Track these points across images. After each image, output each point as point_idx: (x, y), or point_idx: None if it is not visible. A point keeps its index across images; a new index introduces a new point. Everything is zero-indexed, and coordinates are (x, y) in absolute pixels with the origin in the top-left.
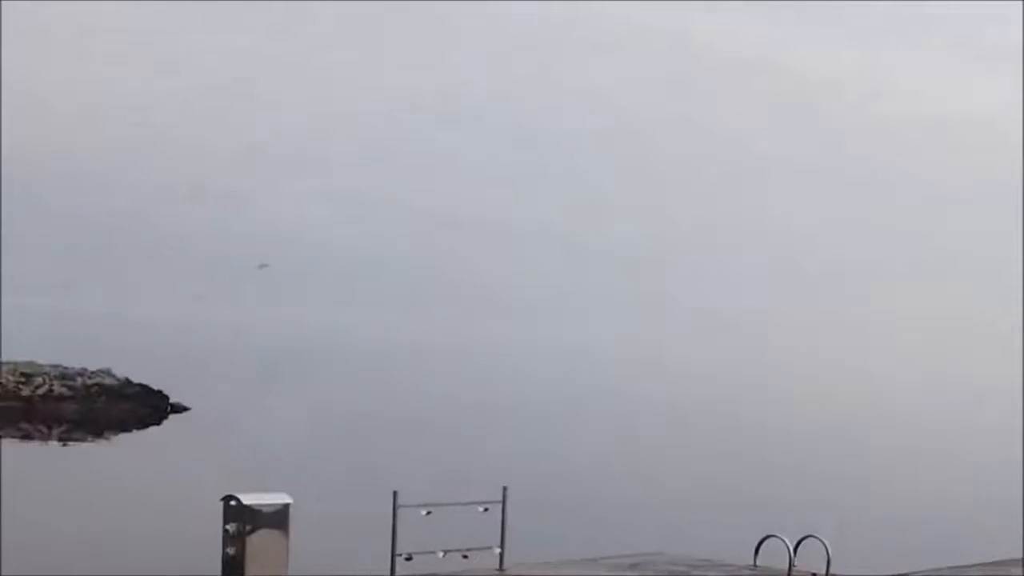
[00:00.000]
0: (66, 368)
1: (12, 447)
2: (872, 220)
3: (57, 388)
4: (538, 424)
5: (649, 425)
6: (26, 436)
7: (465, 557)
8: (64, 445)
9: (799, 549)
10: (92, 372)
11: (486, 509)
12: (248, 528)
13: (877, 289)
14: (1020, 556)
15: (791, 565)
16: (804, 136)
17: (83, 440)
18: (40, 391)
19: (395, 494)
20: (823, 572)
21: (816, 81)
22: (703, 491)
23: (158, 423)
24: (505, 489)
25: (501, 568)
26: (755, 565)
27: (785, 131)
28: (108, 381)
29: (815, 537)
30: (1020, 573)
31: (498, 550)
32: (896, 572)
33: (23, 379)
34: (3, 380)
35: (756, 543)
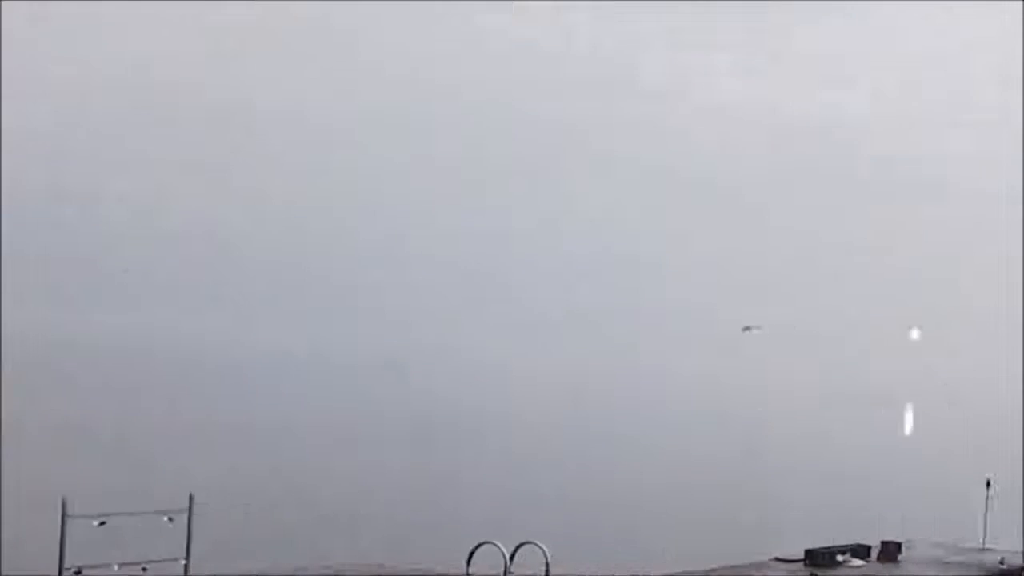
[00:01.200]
0: None
1: None
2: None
3: None
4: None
5: (368, 434)
6: None
7: (144, 570)
8: None
9: (516, 556)
10: None
11: (171, 519)
12: None
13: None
14: (771, 558)
15: (506, 571)
16: None
17: None
18: None
19: (64, 502)
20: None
21: None
22: (424, 499)
23: None
24: (191, 497)
25: None
26: (468, 574)
27: None
28: None
29: (533, 543)
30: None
31: (183, 561)
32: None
33: None
34: None
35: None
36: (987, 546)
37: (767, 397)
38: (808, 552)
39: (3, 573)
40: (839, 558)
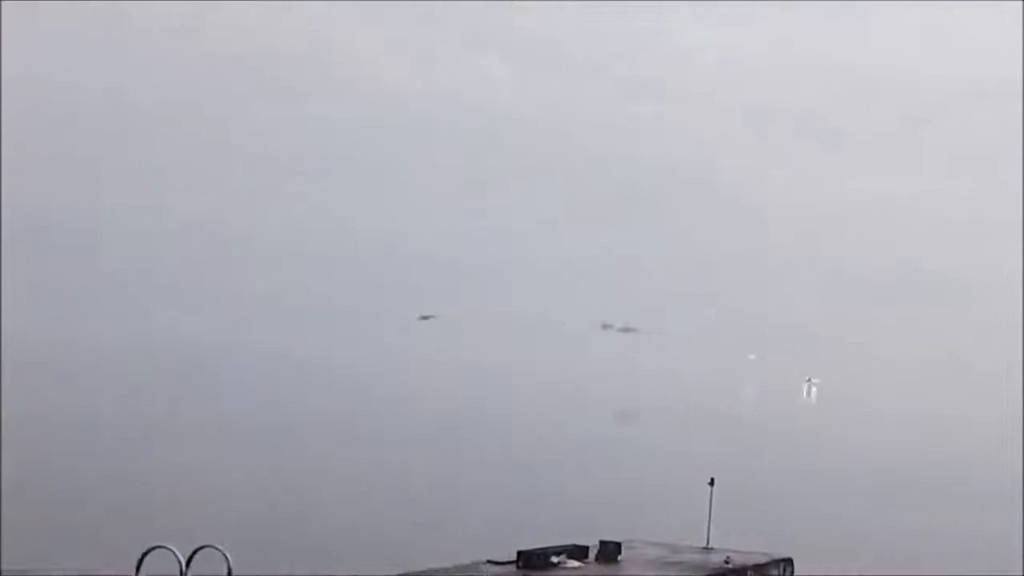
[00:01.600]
0: None
1: None
2: None
3: None
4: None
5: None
6: None
7: None
8: None
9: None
10: None
11: None
12: None
13: None
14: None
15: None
16: None
17: None
18: None
19: None
20: None
21: None
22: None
23: None
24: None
25: None
26: None
27: None
28: None
29: (212, 547)
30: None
31: None
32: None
33: None
34: None
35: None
36: (711, 546)
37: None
38: (521, 553)
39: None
40: (554, 559)
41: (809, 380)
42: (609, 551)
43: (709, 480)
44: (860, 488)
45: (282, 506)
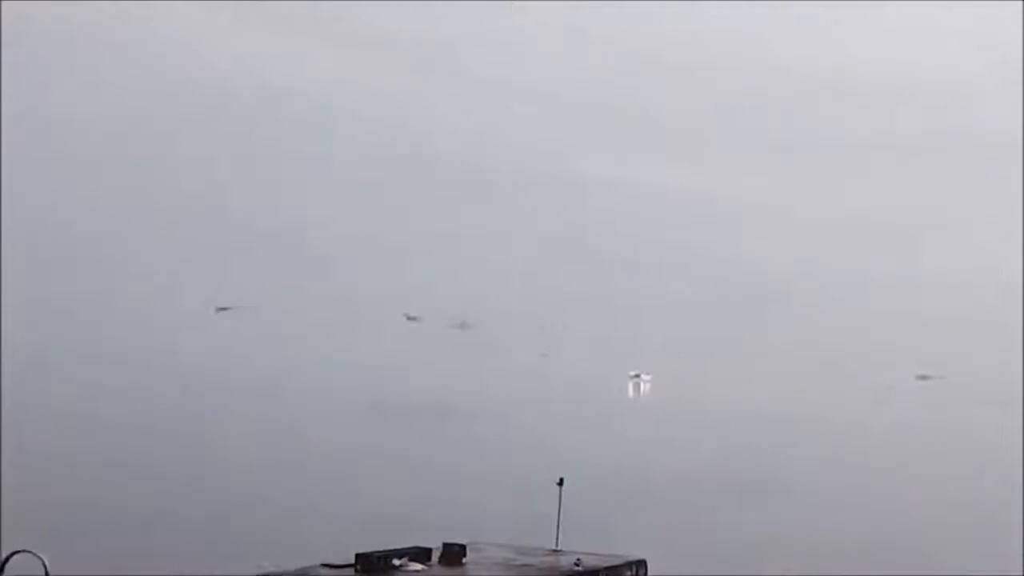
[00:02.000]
0: None
1: None
2: None
3: None
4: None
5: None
6: None
7: None
8: None
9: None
10: None
11: None
12: None
13: None
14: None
15: None
16: None
17: None
18: None
19: None
20: None
21: None
22: None
23: None
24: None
25: None
26: None
27: None
28: None
29: (29, 552)
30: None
31: None
32: None
33: None
34: None
35: None
36: (560, 548)
37: None
38: (360, 556)
39: None
40: (395, 562)
41: (637, 376)
42: (453, 553)
43: (558, 480)
44: (705, 488)
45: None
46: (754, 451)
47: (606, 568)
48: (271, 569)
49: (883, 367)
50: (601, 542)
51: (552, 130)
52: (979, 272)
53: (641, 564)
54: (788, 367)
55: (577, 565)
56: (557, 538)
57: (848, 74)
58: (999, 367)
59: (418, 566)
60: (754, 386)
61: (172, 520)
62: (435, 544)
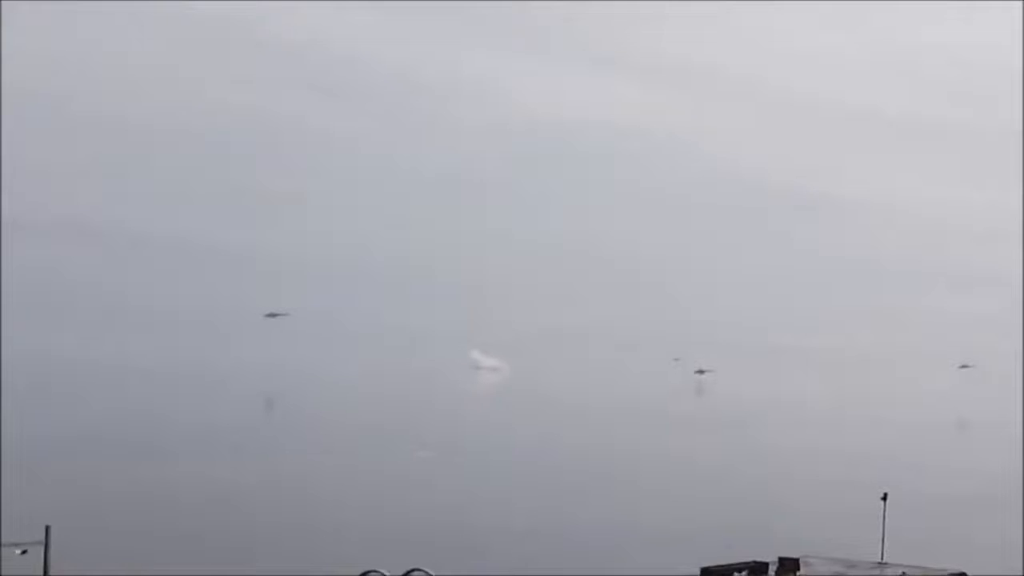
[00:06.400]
0: None
1: None
2: None
3: None
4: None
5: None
6: None
7: None
8: None
9: None
10: None
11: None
12: None
13: None
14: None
15: None
16: None
17: None
18: None
19: None
20: None
21: None
22: None
23: None
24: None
25: None
26: None
27: None
28: None
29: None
30: None
31: None
32: None
33: None
34: None
35: None
36: (885, 560)
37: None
38: (704, 571)
39: None
40: (736, 575)
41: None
42: (788, 567)
43: (882, 495)
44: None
45: None
46: None
47: None
48: None
49: None
50: (923, 555)
51: None
52: None
53: None
54: None
55: None
56: (882, 552)
57: None
58: None
59: None
60: None
61: None
62: (770, 559)
